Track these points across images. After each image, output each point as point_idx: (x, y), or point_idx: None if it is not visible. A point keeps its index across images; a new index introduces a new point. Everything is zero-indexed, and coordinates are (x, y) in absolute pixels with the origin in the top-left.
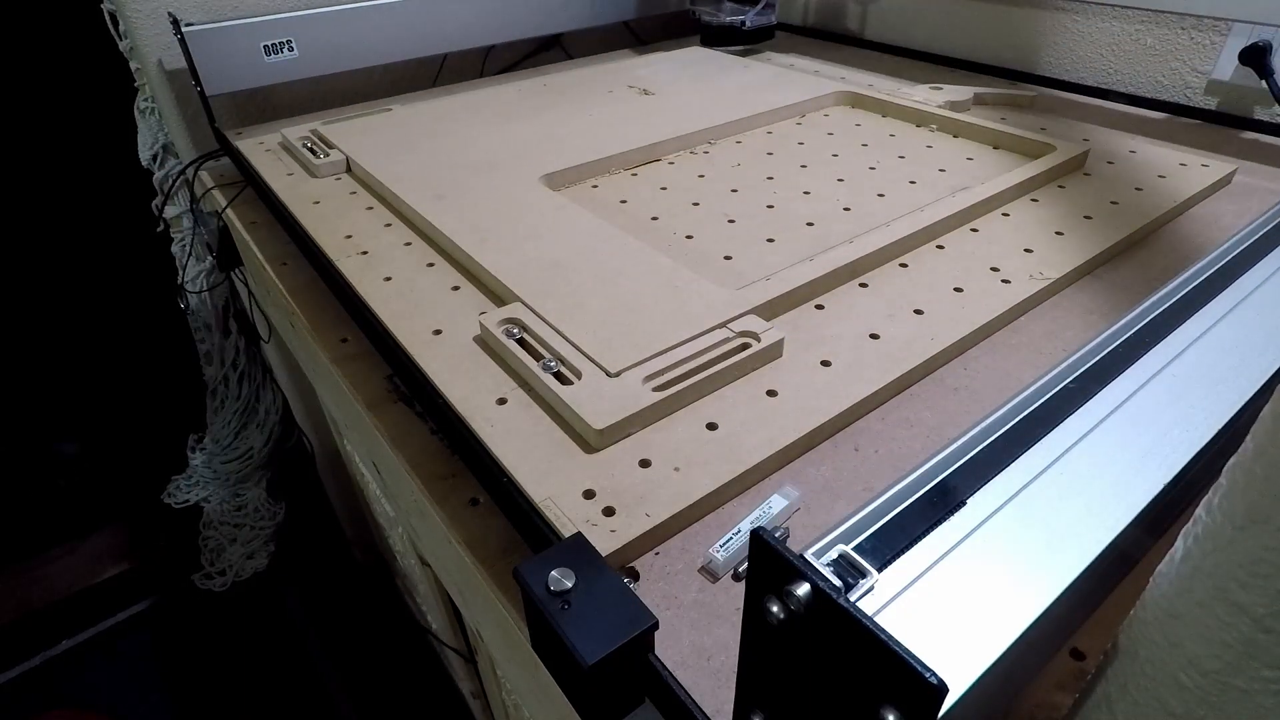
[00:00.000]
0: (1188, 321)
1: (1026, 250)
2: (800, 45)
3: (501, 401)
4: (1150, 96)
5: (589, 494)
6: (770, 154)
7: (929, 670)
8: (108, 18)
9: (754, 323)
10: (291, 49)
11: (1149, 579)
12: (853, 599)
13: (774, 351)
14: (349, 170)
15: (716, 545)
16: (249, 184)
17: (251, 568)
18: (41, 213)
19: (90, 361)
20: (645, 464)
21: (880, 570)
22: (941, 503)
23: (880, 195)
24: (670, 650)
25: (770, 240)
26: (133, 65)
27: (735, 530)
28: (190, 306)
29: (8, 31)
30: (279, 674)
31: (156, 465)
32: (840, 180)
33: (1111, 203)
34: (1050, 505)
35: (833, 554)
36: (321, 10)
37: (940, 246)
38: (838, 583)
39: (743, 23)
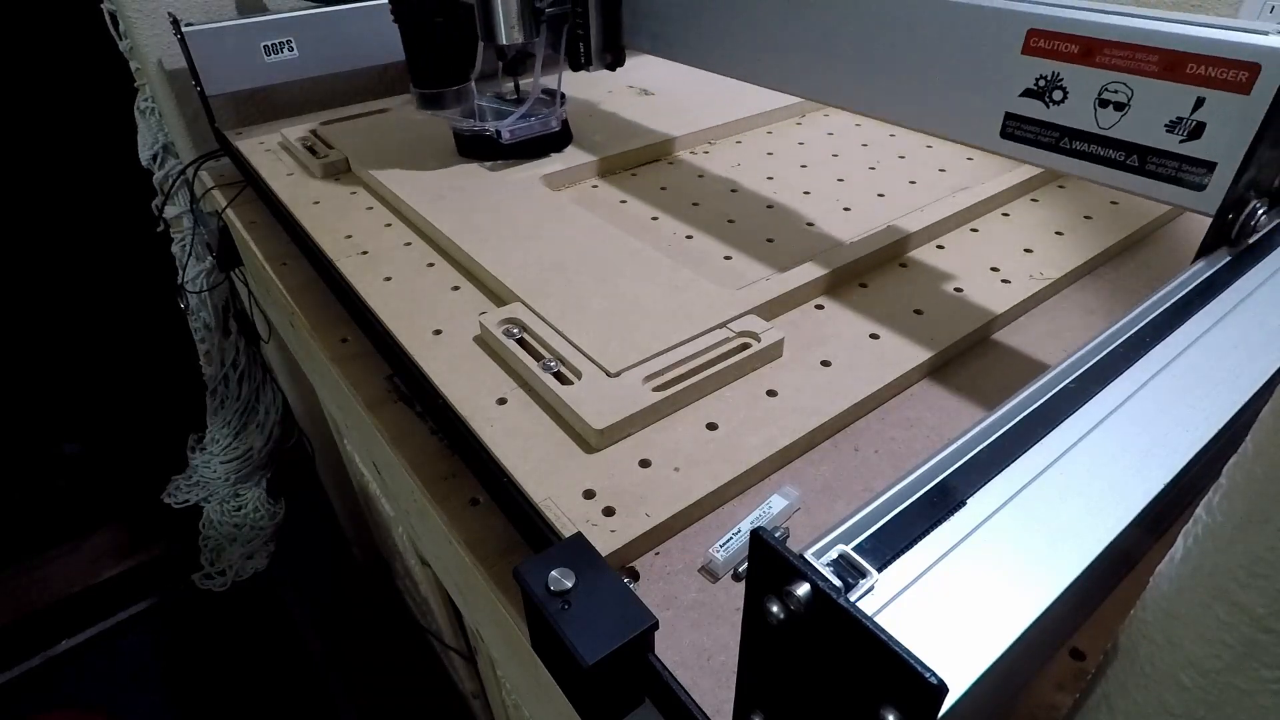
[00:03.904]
0: (1188, 321)
1: (1026, 250)
2: None
3: (501, 401)
4: None
5: (589, 494)
6: (770, 154)
7: (929, 670)
8: (108, 18)
9: (754, 323)
10: (291, 49)
11: (1149, 579)
12: (853, 599)
13: (774, 351)
14: (349, 170)
15: (716, 545)
16: (249, 184)
17: (251, 568)
18: (42, 213)
19: (90, 361)
20: (645, 464)
21: (880, 570)
22: (941, 503)
23: (880, 195)
24: (670, 650)
25: (770, 240)
26: (133, 65)
27: (735, 530)
28: (190, 306)
29: (8, 31)
30: (279, 674)
31: (156, 465)
32: (840, 180)
33: (1111, 203)
34: (1050, 505)
35: (833, 554)
36: (321, 10)
37: (940, 246)
38: (838, 583)
39: (497, 133)
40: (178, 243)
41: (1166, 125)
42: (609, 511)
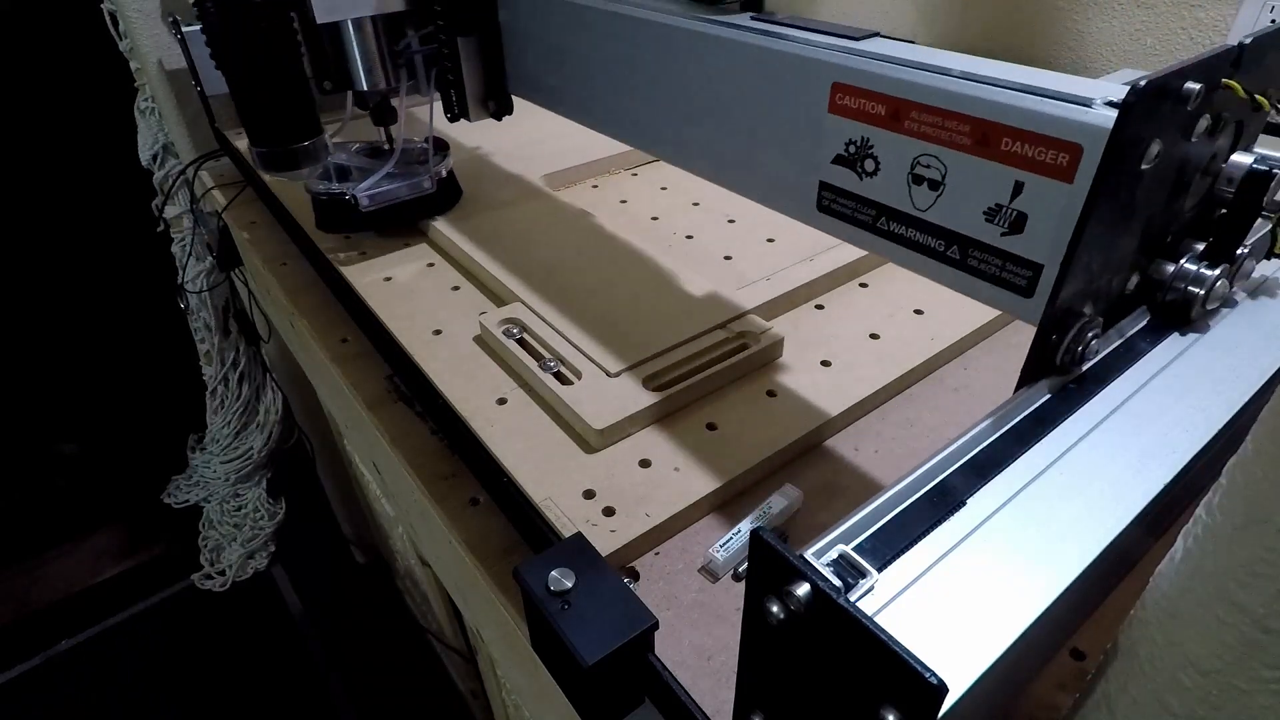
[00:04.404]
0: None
1: None
2: None
3: (501, 401)
4: None
5: (589, 494)
6: None
7: (929, 670)
8: (108, 18)
9: (754, 323)
10: None
11: (1149, 579)
12: (853, 599)
13: (774, 351)
14: None
15: (716, 545)
16: (249, 184)
17: (251, 568)
18: (42, 213)
19: (90, 361)
20: (645, 464)
21: (880, 570)
22: (941, 503)
23: None
24: (670, 650)
25: (770, 240)
26: (133, 65)
27: (735, 530)
28: (190, 306)
29: (8, 31)
30: (279, 674)
31: (156, 465)
32: None
33: None
34: (1050, 505)
35: (833, 554)
36: None
37: None
38: (838, 583)
39: (354, 198)
40: (178, 243)
41: (986, 213)
42: (609, 511)
